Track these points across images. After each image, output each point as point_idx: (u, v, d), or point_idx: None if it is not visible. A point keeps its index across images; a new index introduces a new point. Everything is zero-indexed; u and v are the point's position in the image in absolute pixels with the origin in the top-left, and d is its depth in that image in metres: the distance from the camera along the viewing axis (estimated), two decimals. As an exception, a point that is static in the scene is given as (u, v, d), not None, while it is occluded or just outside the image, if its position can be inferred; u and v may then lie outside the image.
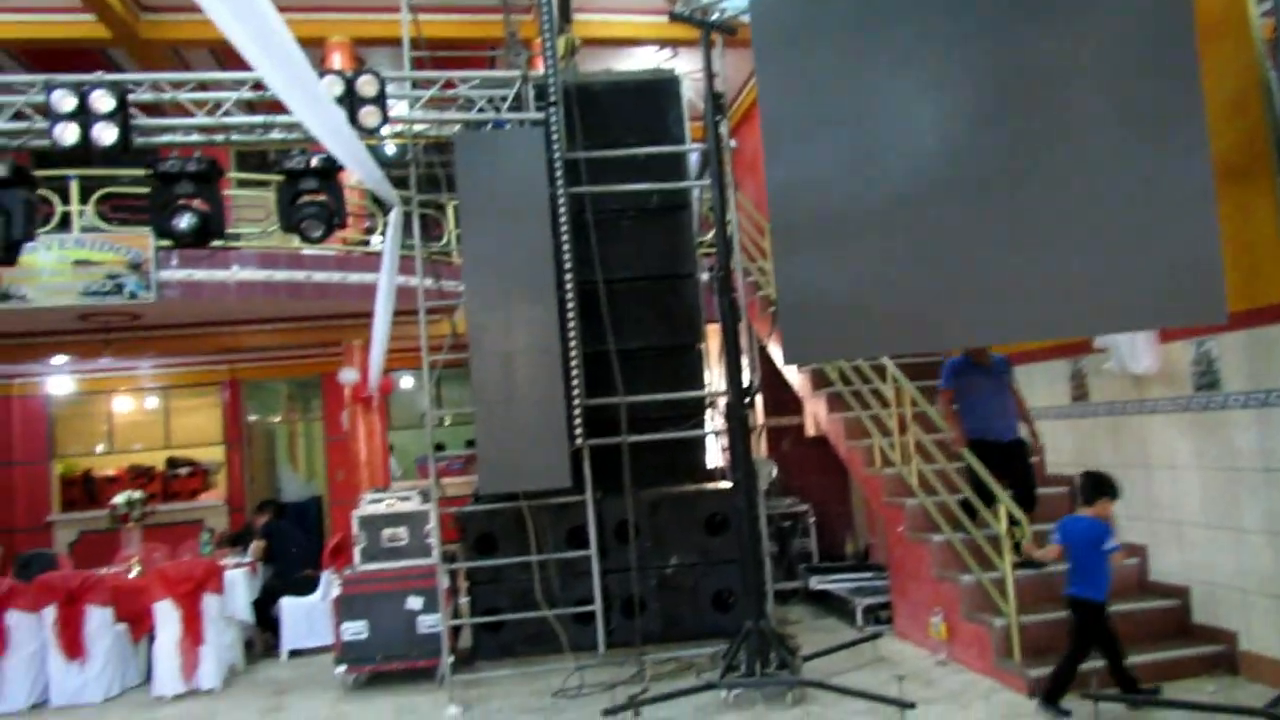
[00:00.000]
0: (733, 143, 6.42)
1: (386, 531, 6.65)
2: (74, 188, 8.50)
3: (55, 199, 8.54)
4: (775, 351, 9.21)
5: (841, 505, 10.28)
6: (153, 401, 13.37)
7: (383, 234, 9.81)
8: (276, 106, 5.96)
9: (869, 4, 5.26)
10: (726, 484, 7.04)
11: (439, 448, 13.72)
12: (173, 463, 13.26)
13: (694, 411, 7.31)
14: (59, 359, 11.06)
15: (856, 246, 5.22)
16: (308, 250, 9.14)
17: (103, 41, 10.29)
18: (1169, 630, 5.65)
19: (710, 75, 6.00)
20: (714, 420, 7.47)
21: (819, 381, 8.28)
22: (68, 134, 5.33)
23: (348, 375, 9.89)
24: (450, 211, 10.05)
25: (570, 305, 6.14)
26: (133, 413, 13.41)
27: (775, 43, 5.79)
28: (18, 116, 5.61)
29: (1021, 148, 4.73)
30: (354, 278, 9.26)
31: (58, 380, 12.29)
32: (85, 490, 12.91)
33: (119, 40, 10.24)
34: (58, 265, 8.15)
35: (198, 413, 13.30)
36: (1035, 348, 7.05)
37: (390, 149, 11.68)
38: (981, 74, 4.83)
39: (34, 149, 5.68)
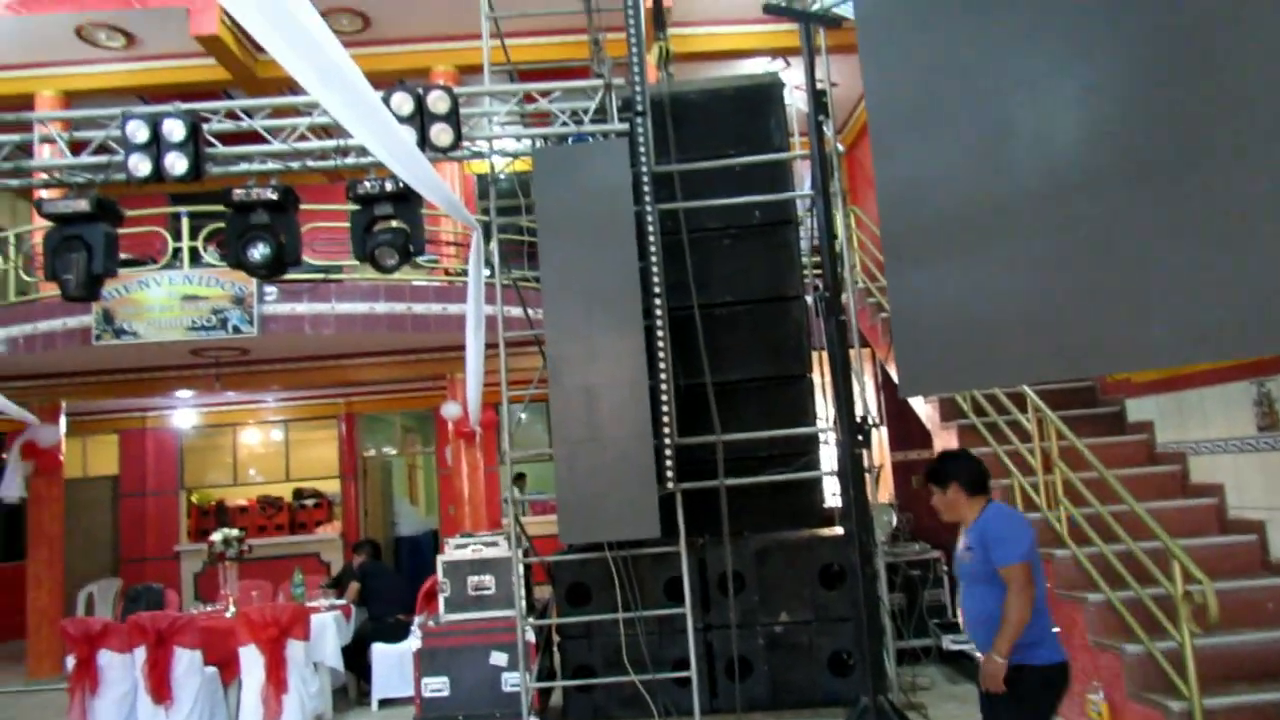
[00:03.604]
0: (840, 147, 5.74)
1: (472, 579, 6.23)
2: (184, 223, 8.63)
3: (168, 236, 8.74)
4: (900, 379, 8.38)
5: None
6: (275, 434, 13.65)
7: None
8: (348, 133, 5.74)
9: None
10: (837, 530, 6.30)
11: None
12: (299, 494, 13.47)
13: (805, 448, 6.59)
14: (183, 393, 11.36)
15: (984, 254, 4.42)
16: (414, 281, 9.01)
17: (223, 83, 10.61)
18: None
19: (811, 70, 5.36)
20: (828, 457, 6.73)
21: (949, 412, 7.39)
22: (141, 166, 5.22)
23: (450, 410, 9.64)
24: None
25: (661, 333, 5.58)
26: (256, 445, 13.73)
27: (881, 22, 5.06)
28: (102, 150, 5.56)
29: (1187, 124, 3.84)
30: (454, 309, 9.01)
31: (184, 413, 12.68)
32: (219, 520, 13.26)
33: (238, 81, 10.53)
34: (167, 301, 8.25)
35: (317, 445, 13.48)
36: (1208, 369, 6.00)
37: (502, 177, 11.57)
38: (1131, 38, 3.97)
39: (115, 182, 5.59)
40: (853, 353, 5.50)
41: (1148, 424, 6.79)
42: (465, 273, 9.73)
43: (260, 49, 10.43)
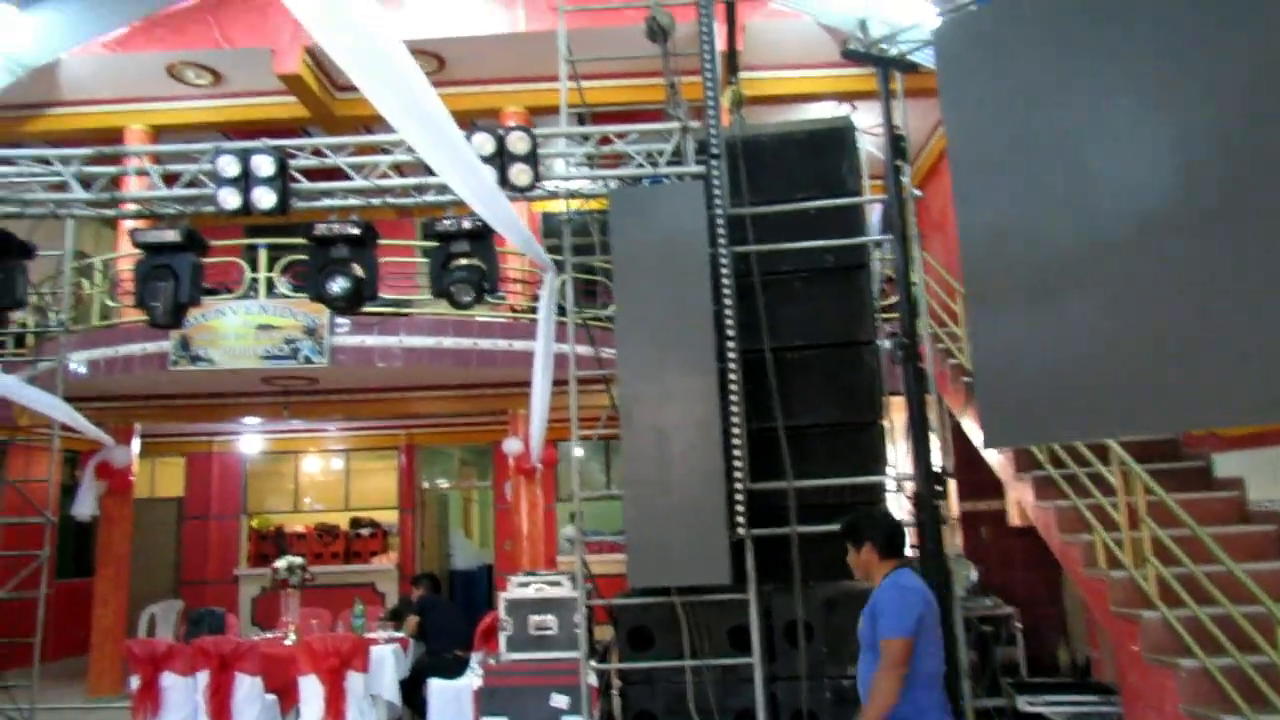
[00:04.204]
0: (917, 192, 5.66)
1: (534, 618, 6.17)
2: (262, 255, 8.86)
3: (246, 266, 8.98)
4: (970, 427, 8.18)
5: (1051, 606, 8.93)
6: (336, 463, 13.82)
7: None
8: (429, 170, 5.84)
9: (1071, 13, 4.46)
10: (914, 581, 6.13)
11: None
12: (356, 522, 13.58)
13: (875, 496, 6.43)
14: (250, 419, 11.58)
15: (1071, 301, 4.34)
16: (480, 317, 9.11)
17: (302, 120, 10.93)
18: None
19: (889, 115, 5.31)
20: (899, 506, 6.57)
21: (1024, 463, 7.17)
22: (231, 199, 5.35)
23: (511, 445, 9.67)
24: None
25: (733, 376, 5.51)
26: (317, 473, 13.91)
27: (962, 67, 5.01)
28: (192, 184, 5.72)
29: (1282, 165, 3.72)
30: (519, 345, 9.07)
31: (250, 439, 12.91)
32: (277, 545, 13.41)
33: (316, 119, 10.84)
34: (242, 329, 8.44)
35: (376, 476, 13.61)
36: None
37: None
38: (1226, 83, 3.84)
39: (204, 214, 5.75)
40: (929, 400, 5.36)
41: (1237, 480, 6.50)
42: (532, 310, 9.83)
43: (340, 87, 10.75)
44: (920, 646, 3.57)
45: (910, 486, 5.48)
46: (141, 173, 5.64)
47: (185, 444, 13.14)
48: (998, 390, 4.62)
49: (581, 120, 8.44)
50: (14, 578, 8.58)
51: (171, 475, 13.46)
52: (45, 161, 5.80)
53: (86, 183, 5.83)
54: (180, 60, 10.22)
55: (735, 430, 5.51)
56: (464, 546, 14.26)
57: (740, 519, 5.44)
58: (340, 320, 8.44)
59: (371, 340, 8.58)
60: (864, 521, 3.95)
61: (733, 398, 5.50)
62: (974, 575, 6.61)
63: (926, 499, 5.04)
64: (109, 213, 5.98)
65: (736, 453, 5.47)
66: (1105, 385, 4.17)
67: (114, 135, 10.48)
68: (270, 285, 8.87)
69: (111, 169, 5.87)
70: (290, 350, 8.36)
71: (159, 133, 10.84)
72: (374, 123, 11.05)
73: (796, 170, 6.52)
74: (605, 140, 5.72)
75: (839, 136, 6.44)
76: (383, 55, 3.60)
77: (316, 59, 10.19)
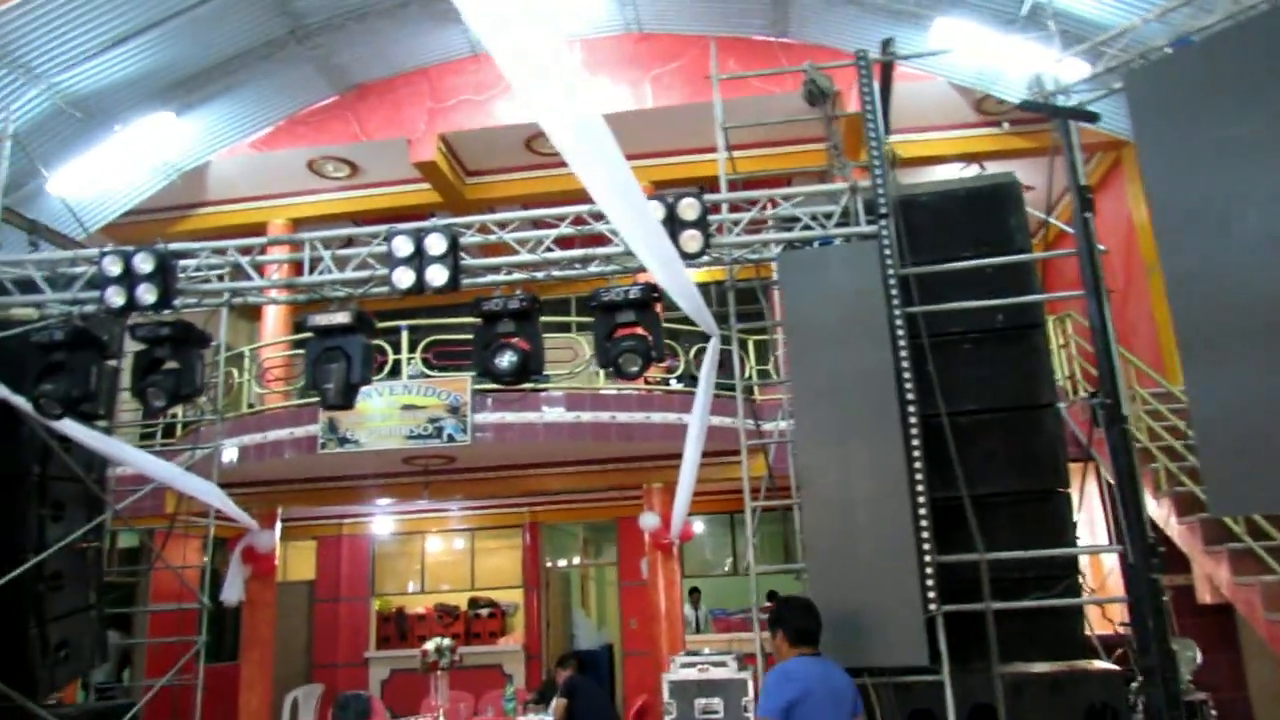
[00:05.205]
0: (1101, 247, 5.39)
1: (700, 701, 5.90)
2: (404, 337, 9.05)
3: (388, 349, 9.18)
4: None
5: (1237, 692, 8.16)
6: (459, 543, 13.85)
7: (679, 376, 9.59)
8: (589, 243, 5.86)
9: (1264, 60, 4.23)
10: (1104, 664, 5.65)
11: (771, 596, 12.78)
12: (474, 603, 13.51)
13: (1065, 570, 5.99)
14: (383, 500, 11.72)
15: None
16: (609, 390, 9.07)
17: (433, 205, 11.27)
18: None
19: (1074, 167, 5.10)
20: (1086, 581, 6.10)
21: (1212, 534, 6.64)
22: (405, 278, 5.44)
23: (649, 520, 9.48)
24: (751, 346, 9.64)
25: (915, 442, 5.26)
26: (441, 553, 13.94)
27: (1157, 115, 4.81)
28: (361, 267, 5.86)
29: None
30: (656, 418, 9.00)
31: (381, 521, 13.05)
32: (398, 627, 13.42)
33: (447, 204, 11.17)
34: (387, 410, 8.57)
35: (499, 555, 13.57)
36: None
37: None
38: None
39: (373, 296, 5.86)
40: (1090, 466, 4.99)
41: None
42: (664, 382, 9.75)
43: (470, 172, 11.11)
44: None
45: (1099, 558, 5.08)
46: (316, 259, 5.80)
47: (316, 527, 13.36)
48: (1224, 452, 4.27)
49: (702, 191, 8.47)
50: (161, 665, 8.69)
51: (303, 558, 13.67)
52: (221, 252, 6.05)
53: (260, 271, 6.05)
54: (321, 155, 10.72)
55: (920, 499, 5.23)
56: (586, 626, 14.01)
57: (932, 594, 5.11)
58: (485, 398, 8.51)
59: (512, 416, 8.60)
60: (780, 609, 4.10)
61: (916, 465, 5.24)
62: (1199, 657, 6.03)
63: (1142, 573, 4.64)
64: (281, 299, 6.17)
65: (924, 523, 5.17)
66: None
67: (257, 230, 10.95)
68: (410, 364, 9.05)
69: (284, 256, 6.07)
70: (434, 429, 8.44)
71: (297, 225, 11.31)
72: (499, 204, 11.36)
73: (958, 229, 6.32)
74: (771, 204, 5.66)
75: (1005, 193, 6.25)
76: (589, 127, 3.62)
77: (450, 146, 10.55)
